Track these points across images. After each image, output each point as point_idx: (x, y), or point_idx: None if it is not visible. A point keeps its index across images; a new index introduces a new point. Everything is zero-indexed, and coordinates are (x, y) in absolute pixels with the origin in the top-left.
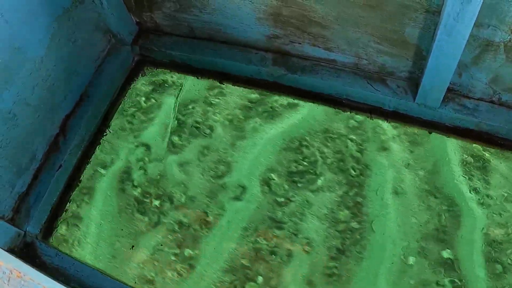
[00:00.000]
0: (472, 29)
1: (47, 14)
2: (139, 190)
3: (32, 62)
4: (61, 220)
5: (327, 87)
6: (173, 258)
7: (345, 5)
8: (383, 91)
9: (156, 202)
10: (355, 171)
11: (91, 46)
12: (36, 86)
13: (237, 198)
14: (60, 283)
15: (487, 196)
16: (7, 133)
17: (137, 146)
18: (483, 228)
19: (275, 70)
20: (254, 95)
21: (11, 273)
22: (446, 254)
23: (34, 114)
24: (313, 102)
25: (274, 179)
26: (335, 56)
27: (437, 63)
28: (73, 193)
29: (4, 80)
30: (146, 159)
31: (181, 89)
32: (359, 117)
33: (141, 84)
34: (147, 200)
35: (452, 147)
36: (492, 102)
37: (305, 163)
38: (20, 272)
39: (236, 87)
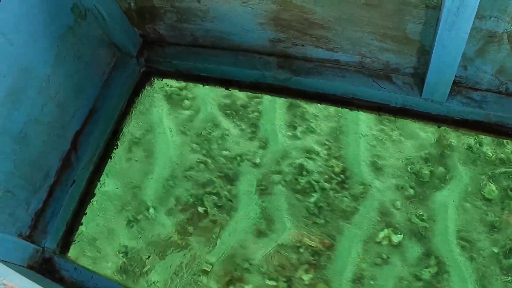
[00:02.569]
0: (474, 21)
1: (51, 32)
2: None
3: (40, 81)
4: (78, 234)
5: (333, 87)
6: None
7: (344, 6)
8: (389, 88)
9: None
10: None
11: (96, 61)
12: (45, 104)
13: None
14: None
15: None
16: (20, 153)
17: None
18: None
19: (280, 74)
20: None
21: None
22: None
23: (45, 132)
24: (320, 104)
25: None
26: (338, 56)
27: (440, 58)
28: (88, 207)
29: (12, 101)
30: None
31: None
32: None
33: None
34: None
35: None
36: (499, 92)
37: None
38: None
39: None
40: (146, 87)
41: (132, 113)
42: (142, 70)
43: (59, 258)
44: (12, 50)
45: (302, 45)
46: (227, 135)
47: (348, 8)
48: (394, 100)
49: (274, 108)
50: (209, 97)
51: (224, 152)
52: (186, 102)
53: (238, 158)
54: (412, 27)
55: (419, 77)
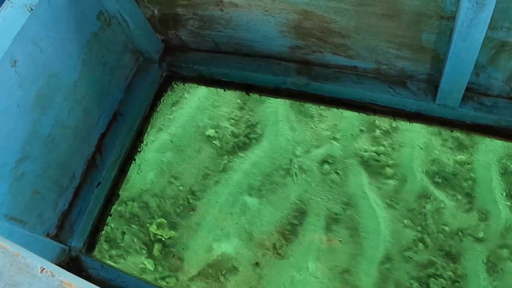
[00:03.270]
0: (487, 31)
1: (77, 39)
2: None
3: (67, 86)
4: (103, 233)
5: (350, 93)
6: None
7: (363, 16)
8: (404, 94)
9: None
10: None
11: (120, 66)
12: (71, 109)
13: None
14: None
15: None
16: (48, 155)
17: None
18: None
19: (299, 80)
20: None
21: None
22: None
23: (72, 135)
24: (338, 108)
25: None
26: (356, 63)
27: (454, 66)
28: (113, 207)
29: (42, 106)
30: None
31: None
32: None
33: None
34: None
35: None
36: (509, 98)
37: None
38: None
39: None
40: (168, 91)
41: (154, 116)
42: (164, 74)
43: (85, 256)
44: (42, 57)
45: (321, 52)
46: (443, 208)
47: (367, 18)
48: (409, 106)
49: (489, 175)
50: (414, 163)
51: (442, 227)
52: (388, 169)
53: (460, 233)
54: (427, 37)
55: (433, 84)
